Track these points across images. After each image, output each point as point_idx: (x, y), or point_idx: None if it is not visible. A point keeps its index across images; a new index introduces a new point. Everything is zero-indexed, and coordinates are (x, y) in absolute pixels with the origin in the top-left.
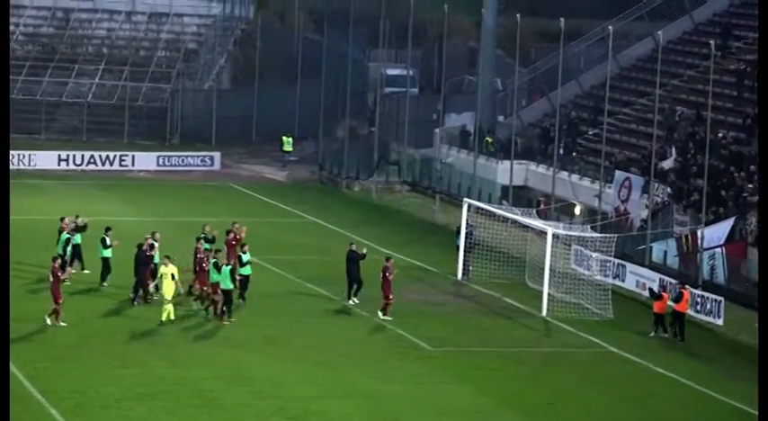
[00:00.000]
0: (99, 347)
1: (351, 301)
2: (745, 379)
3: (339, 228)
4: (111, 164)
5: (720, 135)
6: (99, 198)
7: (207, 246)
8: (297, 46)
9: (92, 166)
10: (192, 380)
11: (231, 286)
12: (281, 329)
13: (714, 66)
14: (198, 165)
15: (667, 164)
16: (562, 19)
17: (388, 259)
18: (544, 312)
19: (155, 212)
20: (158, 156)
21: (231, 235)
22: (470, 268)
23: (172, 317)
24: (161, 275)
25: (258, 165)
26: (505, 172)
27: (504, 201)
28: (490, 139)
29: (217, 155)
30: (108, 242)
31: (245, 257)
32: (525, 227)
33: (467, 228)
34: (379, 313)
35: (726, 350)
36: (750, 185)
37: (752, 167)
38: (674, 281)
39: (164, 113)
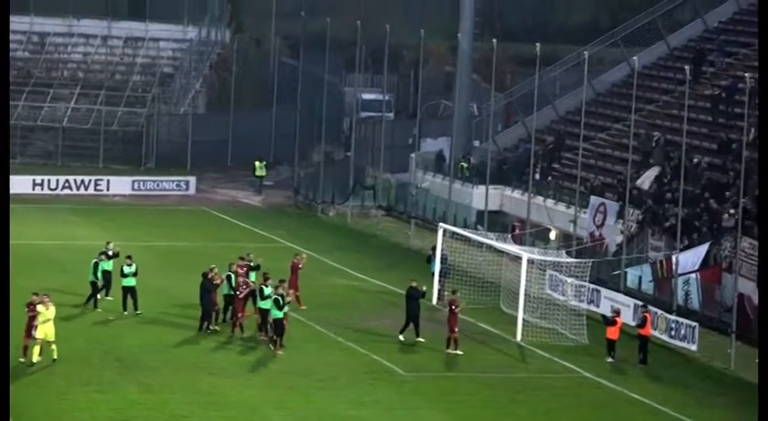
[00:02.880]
0: (73, 372)
1: (402, 337)
2: (718, 405)
3: (314, 252)
4: (87, 188)
5: (696, 161)
6: (74, 222)
7: (251, 274)
8: (272, 70)
9: (67, 191)
10: (167, 405)
11: (280, 315)
12: (255, 355)
13: (689, 91)
14: (173, 190)
15: (647, 180)
16: (538, 44)
17: (454, 292)
18: (519, 337)
19: (130, 237)
20: (133, 181)
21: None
22: (445, 293)
23: (43, 357)
24: (40, 315)
25: (233, 189)
26: (481, 197)
27: (479, 226)
28: (465, 164)
29: (192, 179)
30: (126, 271)
31: (267, 291)
32: (500, 252)
33: (439, 253)
34: (447, 349)
35: (700, 376)
36: (726, 213)
37: (726, 193)
38: (635, 304)
39: (139, 138)
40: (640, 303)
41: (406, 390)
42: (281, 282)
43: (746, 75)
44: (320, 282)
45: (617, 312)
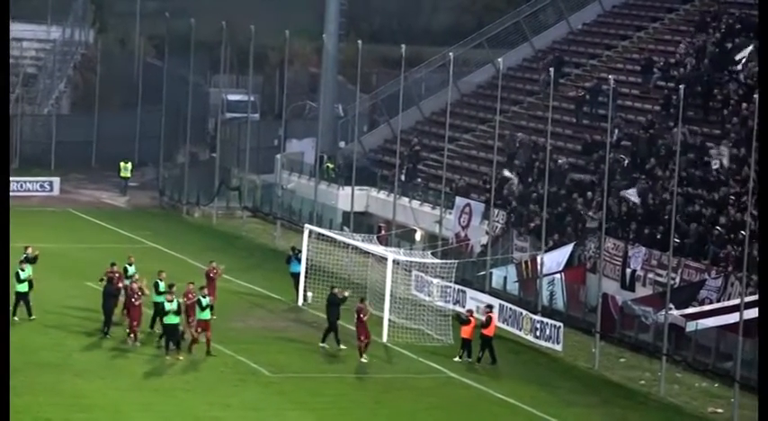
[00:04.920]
0: None
1: (324, 345)
2: (583, 404)
3: (180, 253)
4: None
5: (560, 162)
6: None
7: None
8: (137, 71)
9: None
10: (30, 407)
11: (169, 320)
12: (120, 356)
13: (553, 93)
14: (37, 191)
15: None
16: (403, 45)
17: (362, 300)
18: (385, 338)
19: None
20: None
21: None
22: (309, 294)
23: None
24: None
25: (98, 190)
26: (346, 198)
27: (345, 227)
28: (331, 165)
29: (56, 180)
30: (22, 276)
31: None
32: (366, 253)
33: (295, 254)
34: (359, 356)
35: (565, 375)
36: (590, 213)
37: (589, 194)
38: (481, 306)
39: None
40: (485, 304)
41: (271, 391)
42: (202, 288)
43: (610, 76)
44: (185, 283)
45: (471, 311)
